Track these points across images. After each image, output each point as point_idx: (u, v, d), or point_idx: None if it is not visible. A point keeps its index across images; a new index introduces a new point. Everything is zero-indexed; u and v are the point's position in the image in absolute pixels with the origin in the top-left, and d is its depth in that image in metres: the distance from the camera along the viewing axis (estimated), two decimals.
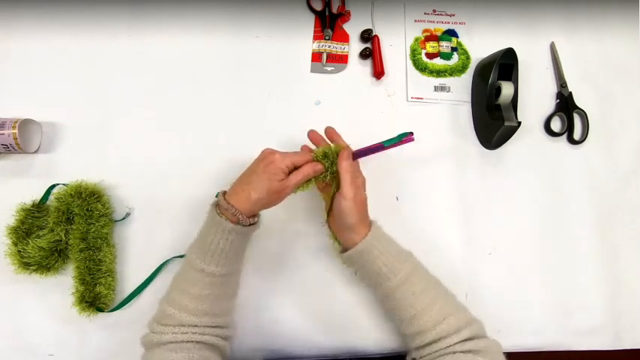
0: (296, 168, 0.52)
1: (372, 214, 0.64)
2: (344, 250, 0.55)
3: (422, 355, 0.52)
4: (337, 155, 0.53)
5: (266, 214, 0.64)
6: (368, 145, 0.54)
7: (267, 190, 0.49)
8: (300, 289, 0.63)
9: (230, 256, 0.51)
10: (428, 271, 0.55)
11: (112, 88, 0.67)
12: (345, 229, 0.53)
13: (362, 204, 0.53)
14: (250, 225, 0.51)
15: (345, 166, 0.51)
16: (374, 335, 0.62)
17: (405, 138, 0.52)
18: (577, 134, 0.72)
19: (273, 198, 0.51)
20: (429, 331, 0.50)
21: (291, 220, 0.65)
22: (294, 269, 0.64)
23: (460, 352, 0.48)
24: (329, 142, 0.57)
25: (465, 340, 0.49)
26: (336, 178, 0.54)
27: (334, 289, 0.63)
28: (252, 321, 0.61)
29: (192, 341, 0.48)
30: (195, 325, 0.49)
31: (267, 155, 0.51)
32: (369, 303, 0.63)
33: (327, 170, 0.53)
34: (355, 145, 0.66)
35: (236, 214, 0.49)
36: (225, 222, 0.49)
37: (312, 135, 0.57)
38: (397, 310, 0.53)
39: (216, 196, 0.52)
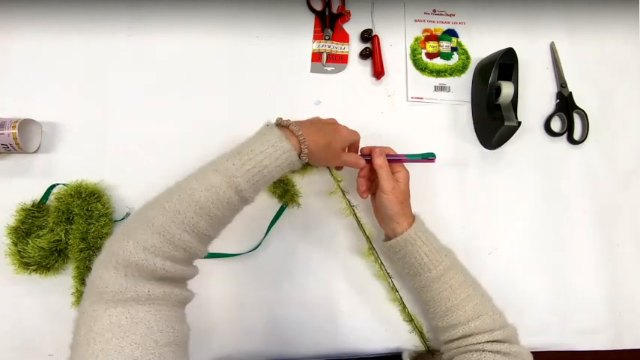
0: None
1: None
2: (387, 239, 0.58)
3: (450, 348, 0.53)
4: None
5: (266, 216, 0.64)
6: (393, 154, 0.58)
7: (332, 146, 0.51)
8: (300, 289, 0.63)
9: (266, 185, 0.47)
10: (467, 270, 0.57)
11: (112, 88, 0.67)
12: (387, 220, 0.56)
13: (402, 195, 0.55)
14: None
15: (378, 162, 0.55)
16: (374, 335, 0.62)
17: (429, 158, 0.59)
18: (577, 134, 0.72)
19: (329, 157, 0.52)
20: (462, 326, 0.51)
21: (292, 222, 0.65)
22: (294, 269, 0.64)
23: (489, 351, 0.49)
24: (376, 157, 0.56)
25: (496, 341, 0.50)
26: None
27: (335, 290, 0.63)
28: (253, 321, 0.61)
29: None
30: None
31: (335, 122, 0.55)
32: (369, 303, 0.63)
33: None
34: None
35: (303, 146, 0.47)
36: (293, 151, 0.45)
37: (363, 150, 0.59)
38: (433, 302, 0.54)
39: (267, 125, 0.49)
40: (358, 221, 0.62)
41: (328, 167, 0.61)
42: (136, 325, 0.36)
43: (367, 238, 0.62)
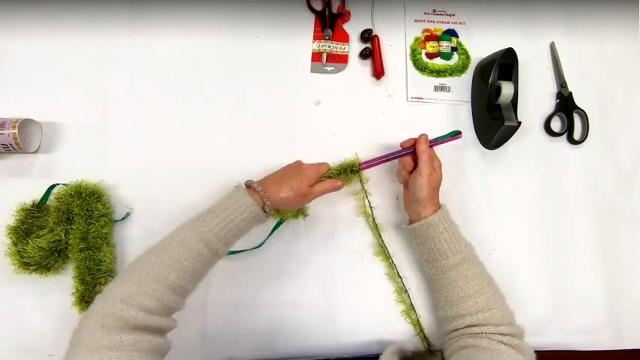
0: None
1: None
2: (410, 222, 0.60)
3: (454, 337, 0.53)
4: (349, 167, 0.61)
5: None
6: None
7: (296, 190, 0.55)
8: (300, 289, 0.63)
9: (235, 239, 0.53)
10: (483, 265, 0.58)
11: (112, 88, 0.67)
12: (415, 203, 0.58)
13: (435, 182, 0.58)
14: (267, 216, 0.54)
15: (422, 148, 0.58)
16: (373, 336, 0.62)
17: (455, 136, 0.62)
18: (577, 134, 0.72)
19: (298, 199, 0.56)
20: (470, 316, 0.53)
21: (292, 222, 0.65)
22: (294, 269, 0.64)
23: (494, 340, 0.50)
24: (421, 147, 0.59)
25: (503, 334, 0.51)
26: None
27: (335, 289, 0.63)
28: (253, 321, 0.61)
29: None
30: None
31: (299, 163, 0.59)
32: (369, 304, 0.63)
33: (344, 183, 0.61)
34: (358, 143, 0.66)
35: (264, 199, 0.53)
36: (255, 205, 0.51)
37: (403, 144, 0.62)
38: (445, 290, 0.56)
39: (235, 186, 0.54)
40: (374, 220, 0.64)
41: (358, 172, 0.62)
42: None
43: (379, 235, 0.64)
